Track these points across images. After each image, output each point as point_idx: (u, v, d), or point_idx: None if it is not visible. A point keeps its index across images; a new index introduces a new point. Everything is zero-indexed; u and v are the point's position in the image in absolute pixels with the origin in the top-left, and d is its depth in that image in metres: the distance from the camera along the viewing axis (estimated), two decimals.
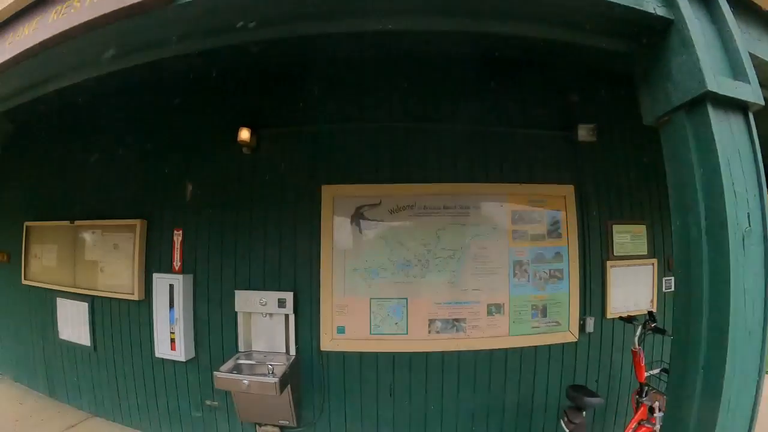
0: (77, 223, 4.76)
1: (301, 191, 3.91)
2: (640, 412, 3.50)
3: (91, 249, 4.69)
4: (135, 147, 4.50)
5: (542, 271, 3.97)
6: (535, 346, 4.01)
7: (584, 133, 4.10)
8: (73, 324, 4.80)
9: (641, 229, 4.45)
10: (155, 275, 4.26)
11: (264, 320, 3.90)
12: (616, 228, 4.31)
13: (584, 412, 3.39)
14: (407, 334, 3.77)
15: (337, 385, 3.83)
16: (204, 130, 4.29)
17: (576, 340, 4.08)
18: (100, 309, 4.63)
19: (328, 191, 3.78)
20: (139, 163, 4.50)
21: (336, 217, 3.78)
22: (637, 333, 3.62)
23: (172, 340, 4.15)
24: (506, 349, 3.96)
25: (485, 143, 4.01)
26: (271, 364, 3.47)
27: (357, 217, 3.74)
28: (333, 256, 3.72)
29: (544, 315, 3.99)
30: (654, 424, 3.52)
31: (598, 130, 4.18)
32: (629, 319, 3.89)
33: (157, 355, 4.27)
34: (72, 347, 4.83)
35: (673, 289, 4.62)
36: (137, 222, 4.36)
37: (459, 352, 3.85)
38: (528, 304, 3.95)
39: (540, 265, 3.97)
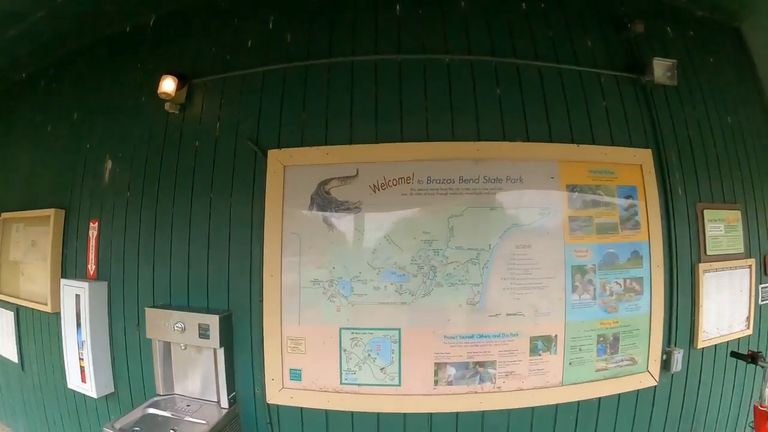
0: (4, 215, 2.69)
1: (240, 160, 1.86)
2: None
3: (15, 247, 2.65)
4: (60, 120, 2.57)
5: (614, 281, 1.79)
6: (599, 398, 1.74)
7: (661, 71, 2.03)
8: (2, 335, 2.76)
9: (736, 216, 2.21)
10: (62, 282, 2.31)
11: (185, 354, 1.92)
12: (707, 214, 2.00)
13: None
14: (400, 385, 1.74)
15: None
16: (128, 90, 2.29)
17: (656, 383, 2.01)
18: (24, 320, 2.72)
19: (276, 158, 1.76)
20: (62, 139, 2.55)
21: (288, 198, 1.72)
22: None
23: (82, 369, 2.19)
24: (557, 405, 1.80)
25: (521, 85, 1.92)
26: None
27: (320, 197, 1.70)
28: (282, 261, 1.72)
29: (615, 350, 1.82)
30: None
31: (680, 68, 2.06)
32: (753, 358, 1.92)
33: (69, 386, 2.30)
34: (4, 362, 2.88)
35: None
36: (51, 212, 2.43)
37: (483, 413, 1.78)
38: (593, 334, 1.82)
39: (611, 272, 1.81)
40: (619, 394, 1.92)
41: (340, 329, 1.69)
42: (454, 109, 1.75)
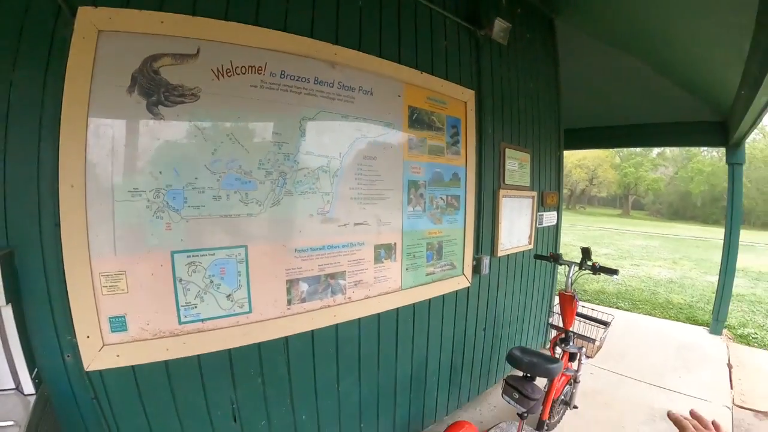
0: None
1: (33, 18, 1.26)
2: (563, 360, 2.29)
3: None
4: None
5: (439, 197, 2.15)
6: (429, 299, 2.16)
7: (499, 30, 2.46)
8: None
9: (527, 158, 2.96)
10: None
11: None
12: (508, 152, 2.66)
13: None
14: (251, 312, 1.60)
15: (134, 430, 1.45)
16: None
17: (469, 284, 2.41)
18: None
19: (88, 18, 1.25)
20: None
21: (99, 76, 1.27)
22: (571, 274, 2.38)
23: None
24: (398, 308, 2.07)
25: (381, 5, 1.97)
26: None
27: (145, 78, 1.33)
28: (87, 164, 1.28)
29: (440, 256, 2.22)
30: (576, 371, 2.55)
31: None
32: (554, 258, 2.31)
33: None
34: None
35: (545, 224, 3.35)
36: None
37: (338, 326, 1.88)
38: (423, 242, 2.14)
39: (437, 189, 2.15)
40: (444, 295, 2.37)
41: (173, 253, 1.37)
42: (316, 7, 1.65)
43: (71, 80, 1.21)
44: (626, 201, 40.67)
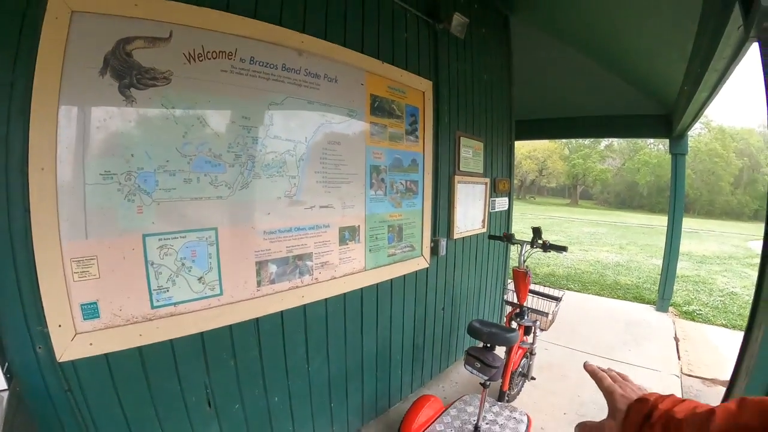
0: None
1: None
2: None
3: None
4: None
5: (399, 182, 2.34)
6: (391, 280, 2.36)
7: (457, 24, 2.70)
8: None
9: (480, 146, 3.23)
10: None
11: None
12: (463, 141, 2.90)
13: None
14: (222, 294, 1.67)
15: (110, 421, 1.46)
16: None
17: (428, 265, 2.64)
18: None
19: (59, 1, 1.25)
20: None
21: (71, 57, 1.29)
22: (524, 252, 2.64)
23: None
24: (362, 289, 2.22)
25: None
26: None
27: (118, 60, 1.37)
28: (58, 147, 1.29)
29: (400, 238, 2.41)
30: (532, 344, 2.80)
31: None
32: (507, 238, 2.58)
33: None
34: None
35: (497, 209, 3.63)
36: None
37: (305, 306, 2.01)
38: (384, 225, 2.32)
39: (397, 174, 2.34)
40: (404, 275, 2.56)
41: (144, 236, 1.40)
42: None
43: (42, 61, 1.22)
44: (575, 191, 43.42)
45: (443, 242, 2.81)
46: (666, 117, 4.99)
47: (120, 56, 1.35)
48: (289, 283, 1.88)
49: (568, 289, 6.20)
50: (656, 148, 36.35)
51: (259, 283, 1.77)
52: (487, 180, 3.44)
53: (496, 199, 3.69)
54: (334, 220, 2.03)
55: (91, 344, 1.33)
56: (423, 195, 2.58)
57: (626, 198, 40.47)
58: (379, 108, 2.20)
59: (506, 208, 3.98)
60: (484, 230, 3.46)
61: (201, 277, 1.58)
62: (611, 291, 6.21)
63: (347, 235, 2.11)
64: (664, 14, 2.68)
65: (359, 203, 2.14)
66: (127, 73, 1.36)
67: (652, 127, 5.23)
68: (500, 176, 3.76)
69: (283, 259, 1.85)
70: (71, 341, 1.29)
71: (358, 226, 2.16)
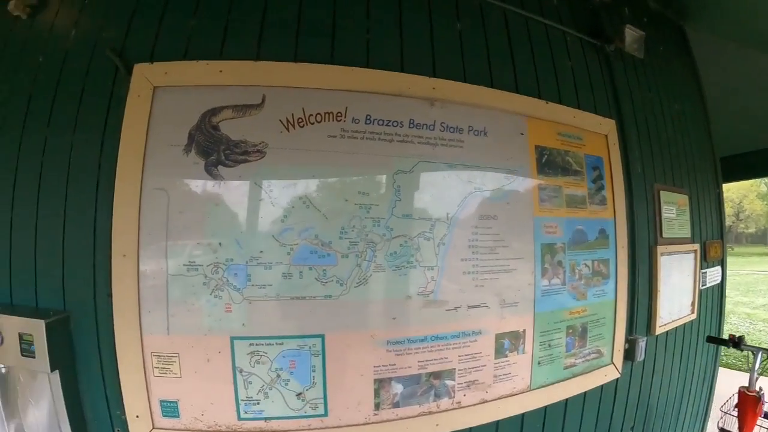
0: None
1: (92, 81, 1.07)
2: None
3: None
4: None
5: (583, 263, 1.25)
6: (566, 399, 1.21)
7: (631, 40, 1.66)
8: None
9: (685, 201, 1.83)
10: None
11: (10, 379, 1.05)
12: (663, 196, 1.61)
13: None
14: (327, 415, 1.03)
15: None
16: None
17: (619, 375, 1.37)
18: None
19: (143, 75, 0.99)
20: None
21: (155, 136, 0.94)
22: (757, 365, 1.50)
23: None
24: (523, 414, 1.20)
25: (485, 24, 1.30)
26: None
27: (203, 134, 0.96)
28: (141, 233, 0.96)
29: (583, 342, 1.30)
30: None
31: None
32: (735, 343, 1.62)
33: None
34: None
35: (708, 284, 2.11)
36: None
37: None
38: (562, 325, 1.29)
39: (579, 253, 1.29)
40: (585, 392, 1.47)
41: (232, 339, 0.98)
42: (404, 35, 1.15)
43: (126, 141, 0.94)
44: None
45: (641, 342, 1.60)
46: None
47: (206, 130, 0.94)
48: (419, 407, 1.11)
49: None
50: None
51: (377, 406, 1.09)
52: (696, 246, 2.05)
53: (707, 270, 2.20)
54: (488, 325, 1.18)
55: None
56: (616, 278, 1.51)
57: None
58: (548, 164, 1.31)
59: (718, 281, 2.37)
60: (694, 317, 2.04)
61: (300, 393, 1.04)
62: None
63: (507, 343, 1.21)
64: None
65: (526, 299, 1.25)
66: (214, 148, 0.94)
67: None
68: (710, 238, 2.25)
69: (413, 377, 1.09)
70: None
71: (524, 330, 1.25)
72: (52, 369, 0.97)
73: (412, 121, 1.10)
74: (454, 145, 1.15)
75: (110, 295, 0.97)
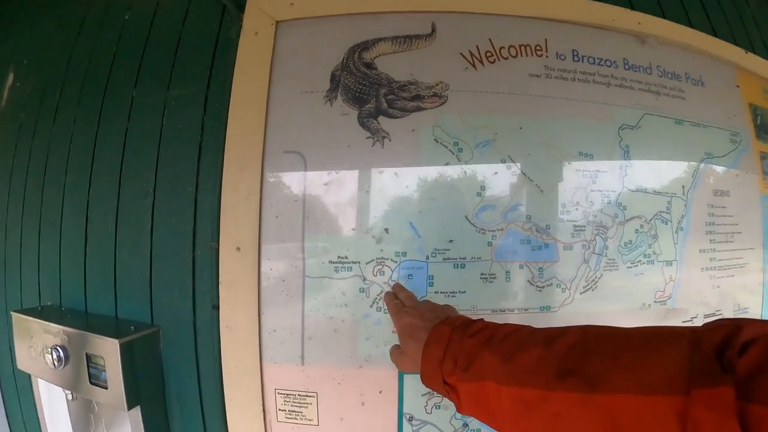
0: None
1: (192, 27, 0.67)
2: None
3: None
4: None
5: None
6: None
7: None
8: None
9: None
10: None
11: (82, 408, 0.71)
12: None
13: None
14: None
15: None
16: None
17: None
18: None
19: (260, 8, 0.58)
20: None
21: (280, 81, 0.57)
22: None
23: None
24: None
25: None
26: None
27: (353, 75, 0.57)
28: (263, 215, 0.56)
29: None
30: None
31: None
32: None
33: None
34: None
35: None
36: None
37: None
38: None
39: None
40: None
41: (402, 374, 0.60)
42: None
43: (240, 90, 0.60)
44: None
45: None
46: None
47: (356, 69, 0.61)
48: None
49: None
50: None
51: None
52: None
53: None
54: None
55: None
56: None
57: None
58: (763, 127, 0.91)
59: None
60: None
61: None
62: None
63: None
64: None
65: (755, 303, 0.84)
66: (371, 93, 0.60)
67: None
68: None
69: None
70: None
71: None
72: (130, 406, 0.63)
73: (626, 61, 0.72)
74: (676, 95, 0.76)
75: (216, 307, 0.62)
